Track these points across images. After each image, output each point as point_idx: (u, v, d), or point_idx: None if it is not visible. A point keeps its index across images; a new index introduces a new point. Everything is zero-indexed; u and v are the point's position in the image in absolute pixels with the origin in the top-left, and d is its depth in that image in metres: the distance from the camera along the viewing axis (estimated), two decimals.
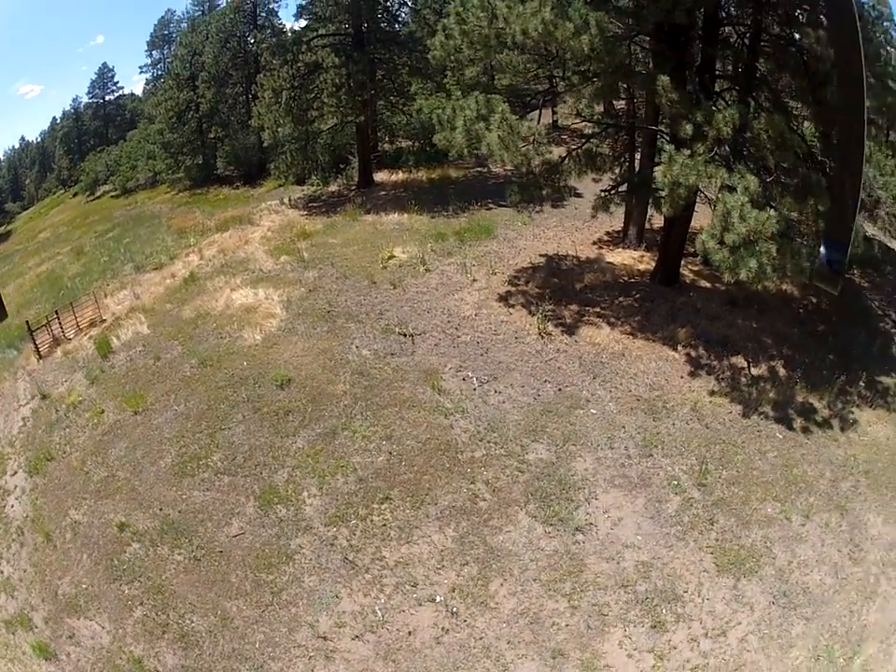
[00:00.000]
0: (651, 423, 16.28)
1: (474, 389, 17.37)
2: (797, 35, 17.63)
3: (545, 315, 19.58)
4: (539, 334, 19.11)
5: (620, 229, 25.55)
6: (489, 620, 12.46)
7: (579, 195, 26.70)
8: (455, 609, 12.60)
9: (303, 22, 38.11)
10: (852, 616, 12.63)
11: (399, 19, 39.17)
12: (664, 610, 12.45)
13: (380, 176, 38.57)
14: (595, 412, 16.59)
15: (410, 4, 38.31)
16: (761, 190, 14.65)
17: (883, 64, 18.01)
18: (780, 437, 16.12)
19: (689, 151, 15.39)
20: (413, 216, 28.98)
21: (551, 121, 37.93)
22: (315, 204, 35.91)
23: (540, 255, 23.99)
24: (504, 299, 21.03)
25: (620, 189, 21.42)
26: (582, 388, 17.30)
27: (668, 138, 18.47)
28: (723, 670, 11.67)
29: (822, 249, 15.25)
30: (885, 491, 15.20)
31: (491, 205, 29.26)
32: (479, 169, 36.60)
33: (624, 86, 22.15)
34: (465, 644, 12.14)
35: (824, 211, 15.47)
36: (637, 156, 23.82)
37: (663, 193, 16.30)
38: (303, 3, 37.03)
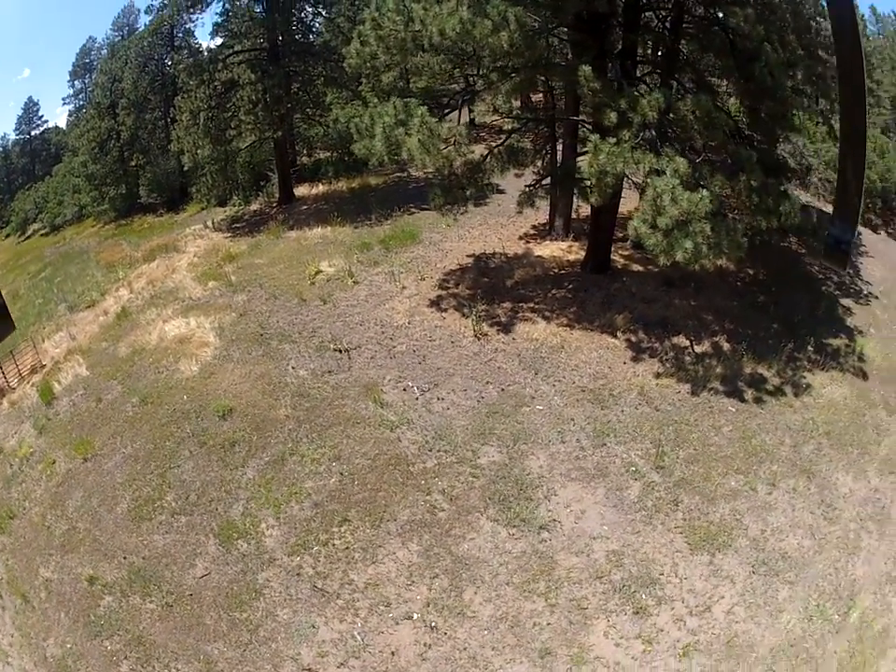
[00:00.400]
0: (600, 412, 16.28)
1: (416, 399, 17.12)
2: (721, 15, 17.82)
3: (479, 316, 19.40)
4: (476, 336, 18.92)
5: (545, 221, 25.54)
6: (469, 629, 12.30)
7: (501, 192, 26.83)
8: (433, 624, 12.40)
9: (220, 40, 37.56)
10: (838, 573, 12.87)
11: (314, 29, 38.68)
12: (643, 596, 12.47)
13: (301, 191, 38.05)
14: (541, 408, 16.52)
15: (324, 13, 37.77)
16: (690, 171, 14.76)
17: (813, 35, 18.38)
18: (733, 410, 16.35)
19: (614, 139, 15.42)
20: (337, 228, 28.55)
21: (468, 120, 37.87)
22: (238, 225, 35.17)
23: (468, 255, 23.84)
24: (436, 303, 20.75)
25: (544, 183, 21.39)
26: (525, 386, 17.20)
27: (591, 127, 18.55)
28: (716, 644, 11.75)
29: (830, 230, 15.66)
30: (850, 449, 15.53)
31: (414, 210, 29.01)
32: (399, 174, 36.25)
33: (543, 79, 22.15)
34: (450, 657, 11.96)
35: (757, 186, 15.67)
36: (560, 147, 23.80)
37: (589, 183, 16.30)
38: (219, 21, 36.32)
